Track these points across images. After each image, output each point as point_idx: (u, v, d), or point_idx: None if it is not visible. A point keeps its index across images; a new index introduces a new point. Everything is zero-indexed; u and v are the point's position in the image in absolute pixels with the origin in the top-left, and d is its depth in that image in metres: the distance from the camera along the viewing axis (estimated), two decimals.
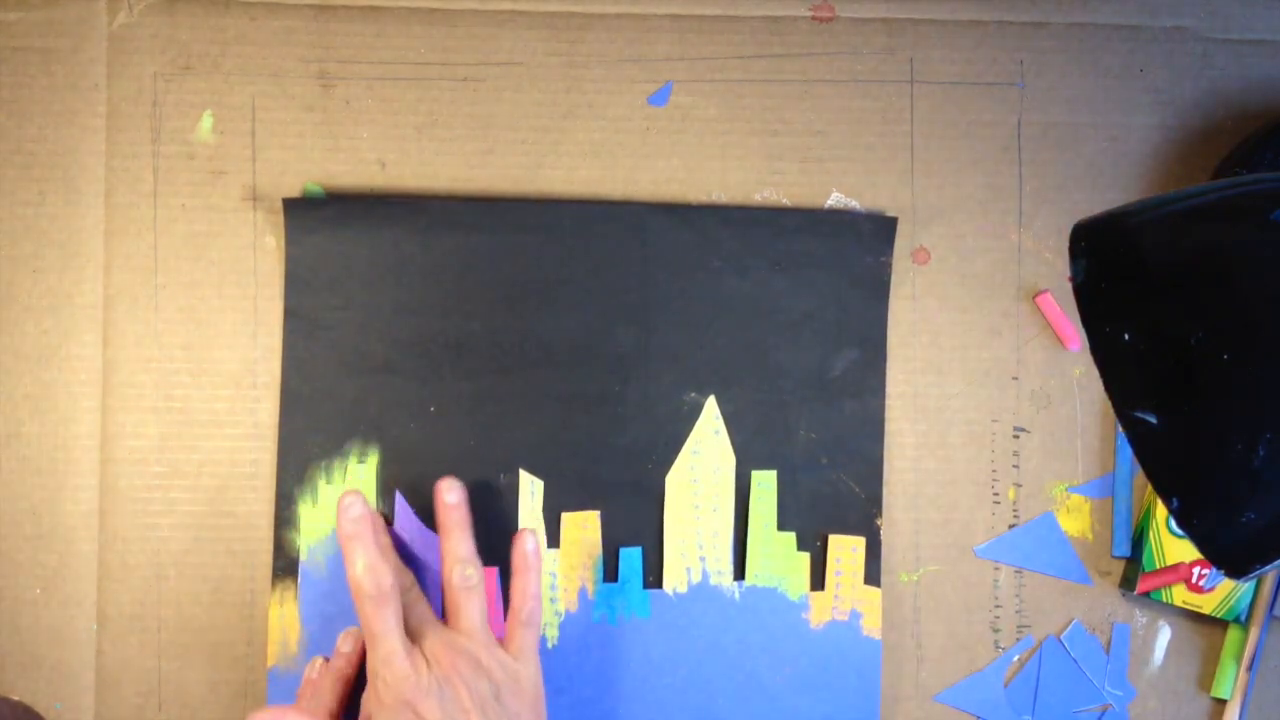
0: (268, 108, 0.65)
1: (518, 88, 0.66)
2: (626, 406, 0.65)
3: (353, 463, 0.64)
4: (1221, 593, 0.65)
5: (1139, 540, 0.66)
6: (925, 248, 0.67)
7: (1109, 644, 0.67)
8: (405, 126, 0.66)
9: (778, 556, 0.65)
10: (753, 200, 0.66)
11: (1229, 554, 0.44)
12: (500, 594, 0.64)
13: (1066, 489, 0.67)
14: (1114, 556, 0.67)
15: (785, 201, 0.67)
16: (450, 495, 0.61)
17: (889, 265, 0.66)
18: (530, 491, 0.65)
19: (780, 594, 0.65)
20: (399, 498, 0.64)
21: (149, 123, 0.65)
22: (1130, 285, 0.46)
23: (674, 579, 0.65)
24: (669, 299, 0.65)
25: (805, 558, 0.65)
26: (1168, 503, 0.44)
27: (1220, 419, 0.43)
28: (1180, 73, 0.68)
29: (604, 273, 0.65)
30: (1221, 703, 0.66)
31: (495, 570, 0.64)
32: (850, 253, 0.66)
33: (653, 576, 0.65)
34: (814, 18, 0.67)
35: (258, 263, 0.65)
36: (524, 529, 0.63)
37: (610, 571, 0.65)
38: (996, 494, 0.67)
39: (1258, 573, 0.44)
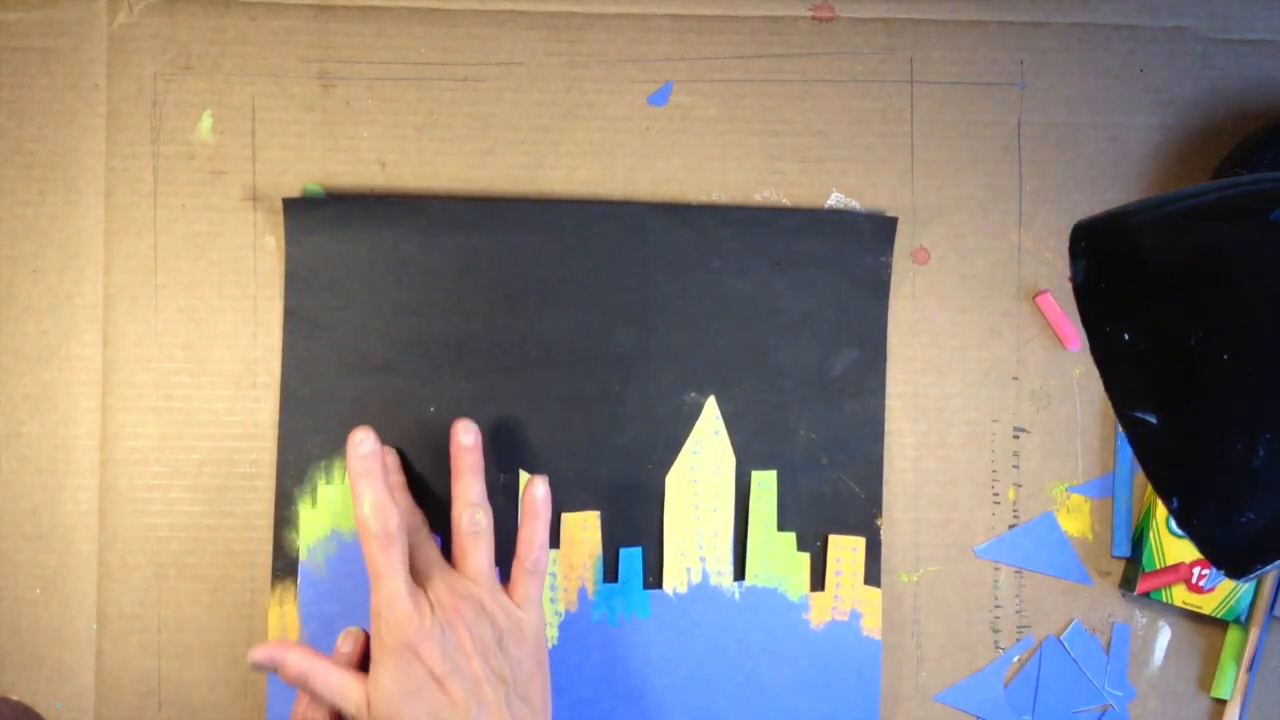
0: (268, 108, 0.65)
1: (518, 88, 0.66)
2: (626, 406, 0.65)
3: None
4: (1221, 593, 0.65)
5: (1139, 540, 0.66)
6: (925, 248, 0.67)
7: (1109, 644, 0.67)
8: (405, 126, 0.66)
9: (778, 557, 0.65)
10: (753, 200, 0.66)
11: (1229, 554, 0.44)
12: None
13: (1066, 489, 0.67)
14: (1114, 556, 0.67)
15: (785, 201, 0.67)
16: (466, 437, 0.60)
17: (889, 265, 0.66)
18: None
19: (780, 594, 0.65)
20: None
21: (149, 123, 0.65)
22: (1130, 285, 0.46)
23: (674, 579, 0.65)
24: (669, 299, 0.65)
25: (805, 558, 0.65)
26: (1168, 503, 0.44)
27: (1220, 419, 0.43)
28: (1180, 73, 0.68)
29: (604, 273, 0.65)
30: (1221, 703, 0.66)
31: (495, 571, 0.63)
32: (850, 253, 0.66)
33: (653, 577, 0.65)
34: (814, 18, 0.67)
35: (258, 263, 0.65)
36: (535, 476, 0.62)
37: (610, 572, 0.65)
38: (996, 494, 0.67)
39: (1258, 573, 0.44)
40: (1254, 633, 0.65)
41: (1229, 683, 0.66)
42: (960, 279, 0.67)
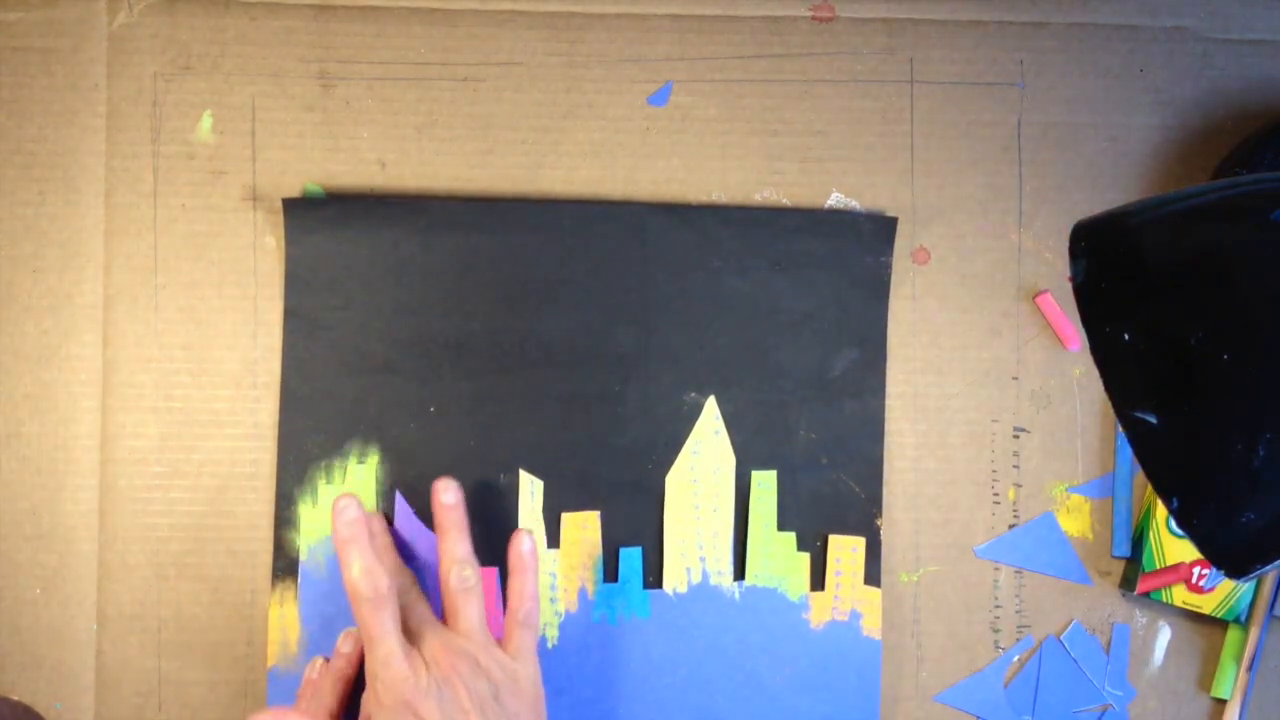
0: (268, 108, 0.65)
1: (518, 88, 0.66)
2: (626, 406, 0.65)
3: (353, 463, 0.64)
4: (1221, 593, 0.65)
5: (1139, 540, 0.66)
6: (925, 248, 0.67)
7: (1109, 644, 0.67)
8: (405, 126, 0.66)
9: (778, 556, 0.65)
10: (753, 200, 0.66)
11: (1229, 554, 0.44)
12: (500, 594, 0.64)
13: (1066, 489, 0.67)
14: (1114, 556, 0.67)
15: (785, 201, 0.67)
16: (447, 496, 0.61)
17: (889, 265, 0.66)
18: (530, 491, 0.65)
19: (780, 594, 0.65)
20: (399, 498, 0.64)
21: (149, 123, 0.65)
22: (1130, 285, 0.46)
23: (674, 579, 0.65)
24: (669, 299, 0.65)
25: (805, 558, 0.65)
26: (1168, 503, 0.44)
27: (1220, 419, 0.43)
28: (1180, 73, 0.68)
29: (604, 273, 0.65)
30: (1221, 703, 0.66)
31: (495, 570, 0.64)
32: (850, 253, 0.66)
33: (653, 576, 0.65)
34: (814, 18, 0.67)
35: (258, 263, 0.65)
36: (520, 529, 0.63)
37: (610, 571, 0.65)
38: (996, 494, 0.67)
39: (1258, 573, 0.44)
40: (1254, 633, 0.65)
41: (1229, 683, 0.66)
42: (960, 279, 0.67)
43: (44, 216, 0.65)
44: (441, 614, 0.60)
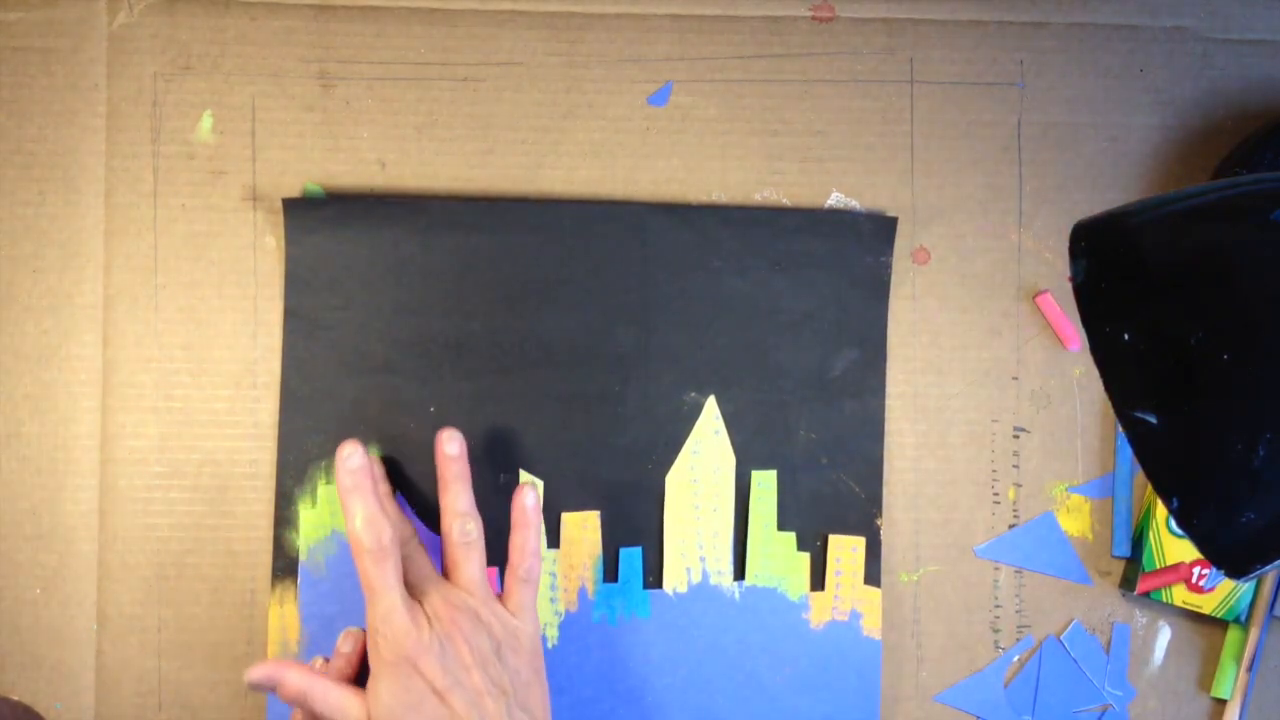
0: (268, 108, 0.65)
1: (518, 88, 0.66)
2: (626, 406, 0.65)
3: None
4: (1221, 593, 0.65)
5: (1139, 540, 0.66)
6: (925, 248, 0.67)
7: (1109, 644, 0.67)
8: (405, 126, 0.66)
9: (778, 556, 0.65)
10: (753, 200, 0.66)
11: (1229, 554, 0.44)
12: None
13: (1066, 489, 0.67)
14: (1114, 556, 0.67)
15: (785, 201, 0.67)
16: (450, 446, 0.60)
17: (889, 265, 0.66)
18: None
19: (780, 594, 0.65)
20: (399, 498, 0.64)
21: (149, 123, 0.65)
22: (1130, 285, 0.46)
23: (674, 579, 0.65)
24: (669, 299, 0.65)
25: (805, 558, 0.65)
26: (1168, 503, 0.44)
27: (1220, 419, 0.43)
28: (1180, 73, 0.68)
29: (604, 273, 0.65)
30: (1221, 703, 0.66)
31: (495, 570, 0.63)
32: (850, 253, 0.66)
33: (653, 576, 0.65)
34: (814, 18, 0.67)
35: (258, 263, 0.65)
36: (524, 484, 0.62)
37: (610, 571, 0.65)
38: (996, 494, 0.67)
39: (1258, 573, 0.44)
40: (1254, 633, 0.65)
41: (1229, 682, 0.66)
42: (960, 279, 0.67)
43: (44, 216, 0.65)
44: (441, 568, 0.60)
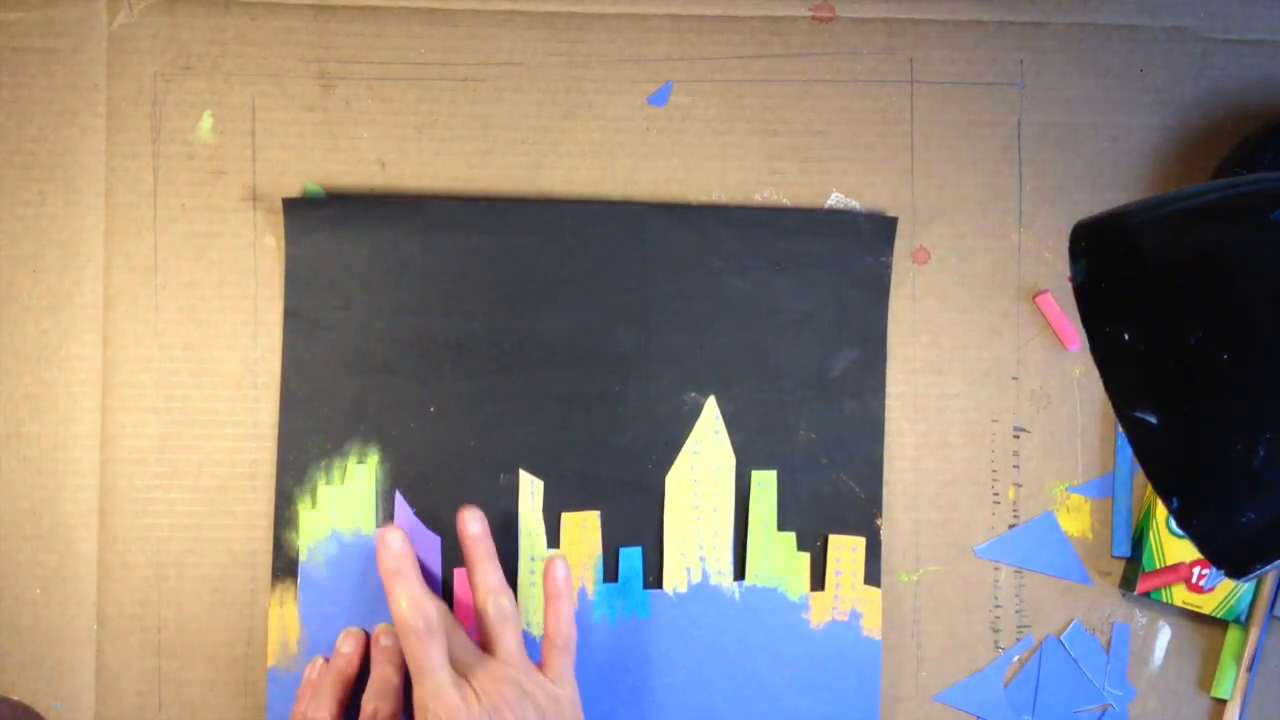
0: (268, 108, 0.65)
1: (518, 88, 0.66)
2: (626, 406, 0.65)
3: (352, 463, 0.64)
4: (1221, 593, 0.65)
5: (1139, 540, 0.66)
6: (925, 248, 0.67)
7: (1109, 644, 0.67)
8: (405, 126, 0.66)
9: (778, 556, 0.65)
10: (753, 200, 0.66)
11: (1229, 554, 0.44)
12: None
13: (1066, 489, 0.67)
14: (1114, 556, 0.67)
15: (785, 201, 0.67)
16: (473, 526, 0.61)
17: (889, 265, 0.66)
18: (530, 491, 0.65)
19: (780, 594, 0.65)
20: (399, 498, 0.64)
21: (149, 123, 0.65)
22: (1130, 285, 0.46)
23: (674, 579, 0.65)
24: (669, 299, 0.65)
25: (805, 558, 0.65)
26: (1168, 503, 0.44)
27: (1220, 419, 0.43)
28: (1180, 73, 0.68)
29: (604, 273, 0.65)
30: (1221, 703, 0.66)
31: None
32: (850, 253, 0.66)
33: (653, 576, 0.65)
34: (814, 18, 0.67)
35: (258, 263, 0.65)
36: (555, 556, 0.62)
37: (610, 571, 0.65)
38: (996, 494, 0.67)
39: (1258, 573, 0.44)
40: (1254, 633, 0.65)
41: (1229, 683, 0.66)
42: (960, 279, 0.67)
43: (44, 216, 0.65)
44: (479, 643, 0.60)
